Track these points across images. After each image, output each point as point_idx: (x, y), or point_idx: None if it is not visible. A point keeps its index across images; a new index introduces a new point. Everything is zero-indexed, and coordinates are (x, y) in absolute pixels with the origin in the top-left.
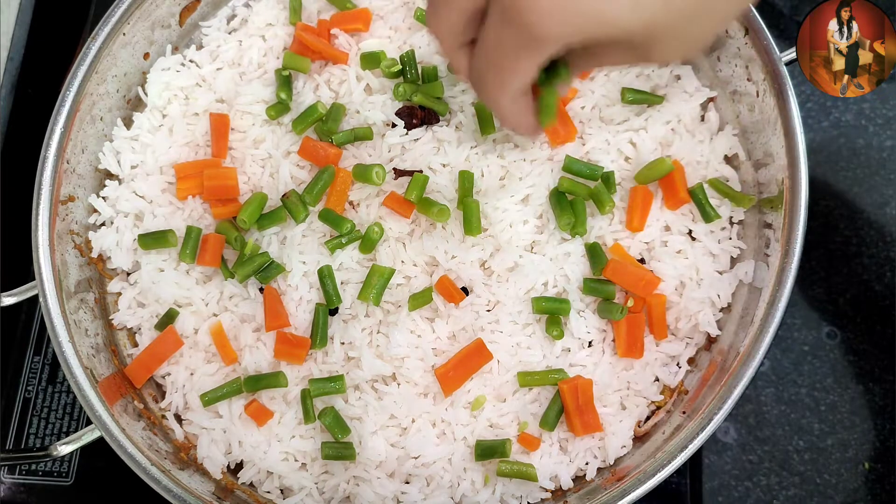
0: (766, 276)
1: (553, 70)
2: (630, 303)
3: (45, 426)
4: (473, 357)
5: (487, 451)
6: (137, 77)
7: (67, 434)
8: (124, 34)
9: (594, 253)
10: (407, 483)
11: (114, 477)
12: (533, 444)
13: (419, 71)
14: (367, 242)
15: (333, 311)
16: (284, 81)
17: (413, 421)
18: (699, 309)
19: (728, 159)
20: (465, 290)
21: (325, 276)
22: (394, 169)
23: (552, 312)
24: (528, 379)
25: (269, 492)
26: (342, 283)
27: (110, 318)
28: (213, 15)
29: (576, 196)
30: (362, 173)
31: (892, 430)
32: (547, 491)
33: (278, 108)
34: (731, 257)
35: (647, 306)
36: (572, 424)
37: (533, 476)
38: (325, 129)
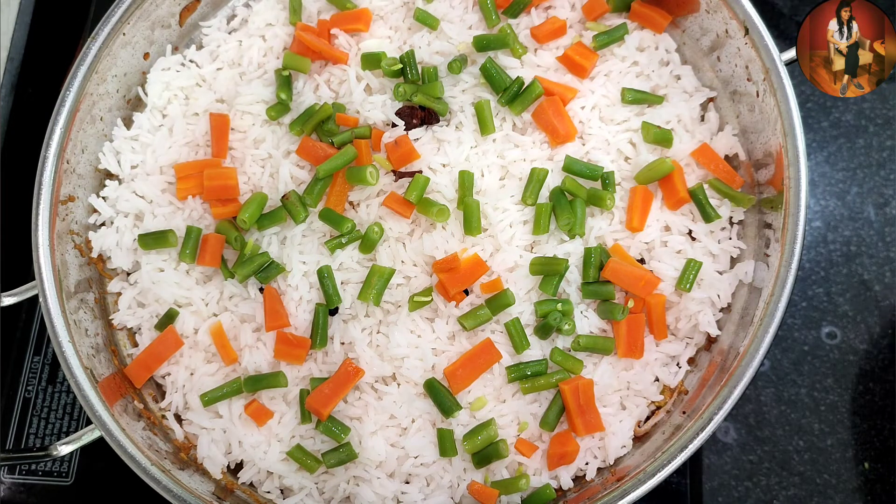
0: (766, 276)
1: None
2: (630, 303)
3: (45, 426)
4: (481, 356)
5: (485, 458)
6: (137, 77)
7: (67, 434)
8: (124, 34)
9: (587, 261)
10: (407, 483)
11: (114, 477)
12: (529, 450)
13: (419, 71)
14: (367, 242)
15: (333, 311)
16: (284, 81)
17: (413, 421)
18: (699, 309)
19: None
20: (466, 290)
21: (324, 276)
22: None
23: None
24: (528, 385)
25: (269, 492)
26: (342, 283)
27: (110, 318)
28: (213, 15)
29: (576, 197)
30: (355, 175)
31: (892, 430)
32: None
33: (278, 109)
34: (731, 257)
35: (647, 306)
36: (574, 424)
37: (523, 487)
38: (325, 129)
